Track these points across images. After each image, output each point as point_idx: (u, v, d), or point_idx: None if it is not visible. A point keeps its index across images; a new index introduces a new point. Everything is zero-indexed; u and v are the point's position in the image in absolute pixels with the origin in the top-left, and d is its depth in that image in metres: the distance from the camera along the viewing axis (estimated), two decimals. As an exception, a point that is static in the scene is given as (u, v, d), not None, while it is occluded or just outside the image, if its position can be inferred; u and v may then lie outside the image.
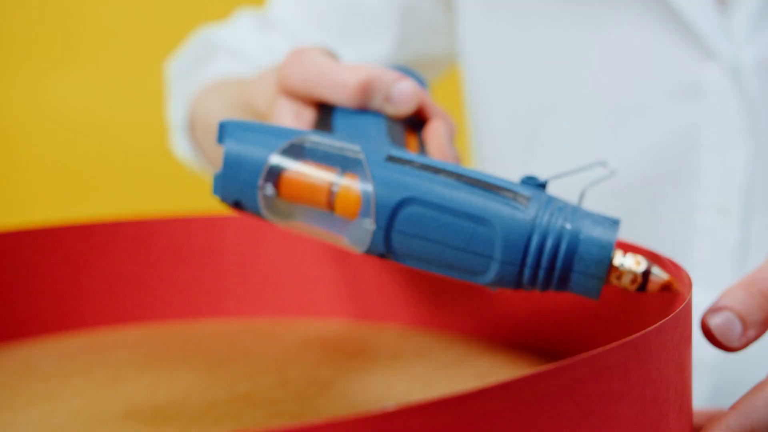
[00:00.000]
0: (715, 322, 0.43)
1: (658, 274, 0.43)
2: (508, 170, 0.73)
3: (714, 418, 0.43)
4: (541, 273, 0.43)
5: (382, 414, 0.29)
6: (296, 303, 0.64)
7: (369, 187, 0.44)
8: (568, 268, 0.42)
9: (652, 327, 0.37)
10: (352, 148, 0.45)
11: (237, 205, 0.46)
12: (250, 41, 0.84)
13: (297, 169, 0.45)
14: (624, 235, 0.63)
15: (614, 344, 0.35)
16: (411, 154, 0.45)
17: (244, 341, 0.61)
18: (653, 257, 0.46)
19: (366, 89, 0.51)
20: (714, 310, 0.44)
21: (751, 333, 0.43)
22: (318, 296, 0.64)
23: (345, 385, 0.53)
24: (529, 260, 0.42)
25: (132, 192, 1.39)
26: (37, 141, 1.40)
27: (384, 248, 0.44)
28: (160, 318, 0.64)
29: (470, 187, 0.43)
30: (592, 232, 0.42)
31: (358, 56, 0.81)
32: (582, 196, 0.44)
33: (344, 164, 0.44)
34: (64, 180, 1.40)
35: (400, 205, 0.43)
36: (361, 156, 0.44)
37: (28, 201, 1.41)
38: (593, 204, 0.50)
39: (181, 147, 0.85)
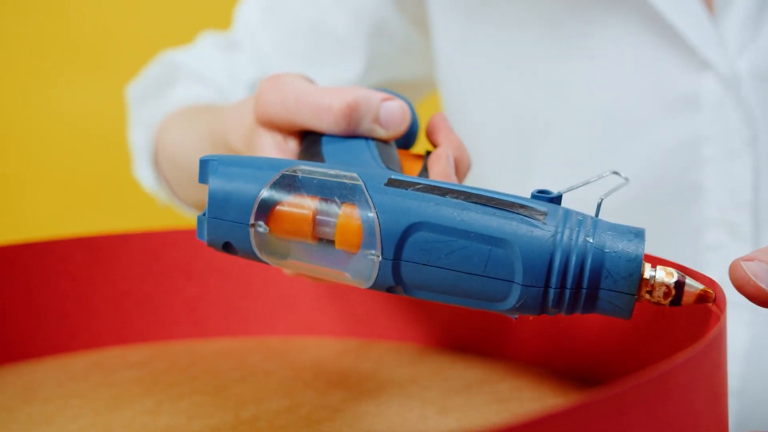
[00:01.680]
0: (749, 266, 0.41)
1: (693, 285, 0.40)
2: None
3: None
4: (567, 294, 0.39)
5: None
6: (309, 321, 0.62)
7: (371, 215, 0.40)
8: (595, 287, 0.39)
9: (681, 358, 0.34)
10: (348, 175, 0.41)
11: (227, 247, 0.42)
12: (213, 64, 0.80)
13: (290, 201, 0.41)
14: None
15: (637, 380, 0.33)
16: (412, 176, 0.42)
17: (253, 361, 0.58)
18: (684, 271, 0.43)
19: (352, 112, 0.46)
20: (745, 258, 0.41)
21: None
22: (332, 315, 0.61)
23: (356, 410, 0.50)
24: (554, 280, 0.39)
25: (138, 202, 1.36)
26: (39, 147, 1.38)
27: (393, 281, 0.40)
28: (167, 336, 0.61)
29: (482, 207, 0.40)
30: (618, 245, 0.39)
31: (328, 79, 0.76)
32: (599, 207, 0.41)
33: (341, 193, 0.41)
34: (67, 189, 1.38)
35: (407, 231, 0.40)
36: (359, 182, 0.41)
37: (29, 210, 1.38)
38: None
39: (143, 175, 0.81)
